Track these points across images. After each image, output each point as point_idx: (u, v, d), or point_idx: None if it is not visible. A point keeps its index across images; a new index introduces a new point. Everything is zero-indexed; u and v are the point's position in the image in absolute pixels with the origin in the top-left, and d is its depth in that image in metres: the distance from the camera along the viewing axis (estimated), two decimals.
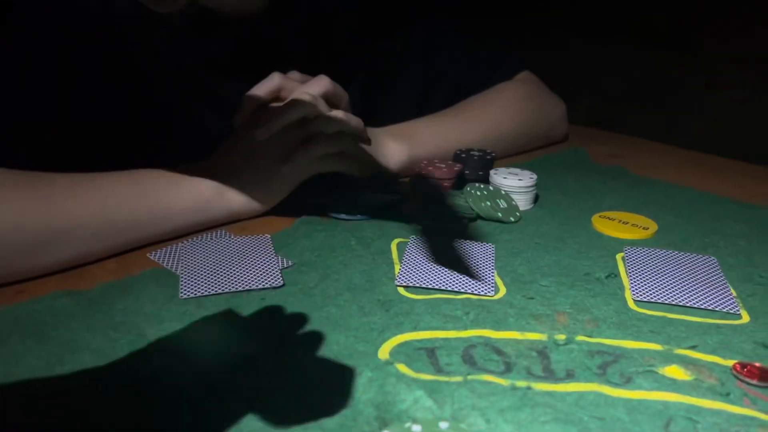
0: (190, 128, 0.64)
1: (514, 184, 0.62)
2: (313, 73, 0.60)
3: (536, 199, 0.65)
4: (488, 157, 0.68)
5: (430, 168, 0.64)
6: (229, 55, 0.65)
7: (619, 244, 0.56)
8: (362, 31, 0.76)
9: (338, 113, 0.58)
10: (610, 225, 0.59)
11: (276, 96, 0.59)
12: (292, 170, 0.58)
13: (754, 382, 0.37)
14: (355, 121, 0.59)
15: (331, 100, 0.59)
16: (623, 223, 0.60)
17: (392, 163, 0.67)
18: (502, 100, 0.80)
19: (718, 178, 0.75)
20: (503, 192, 0.62)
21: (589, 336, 0.42)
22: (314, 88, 0.58)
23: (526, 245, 0.55)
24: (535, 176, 0.64)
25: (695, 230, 0.59)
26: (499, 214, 0.59)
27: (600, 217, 0.61)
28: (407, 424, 0.33)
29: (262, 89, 0.58)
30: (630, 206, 0.64)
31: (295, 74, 0.60)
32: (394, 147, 0.68)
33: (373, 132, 0.65)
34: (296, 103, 0.56)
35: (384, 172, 0.66)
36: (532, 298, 0.46)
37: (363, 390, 0.36)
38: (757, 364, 0.38)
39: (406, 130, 0.70)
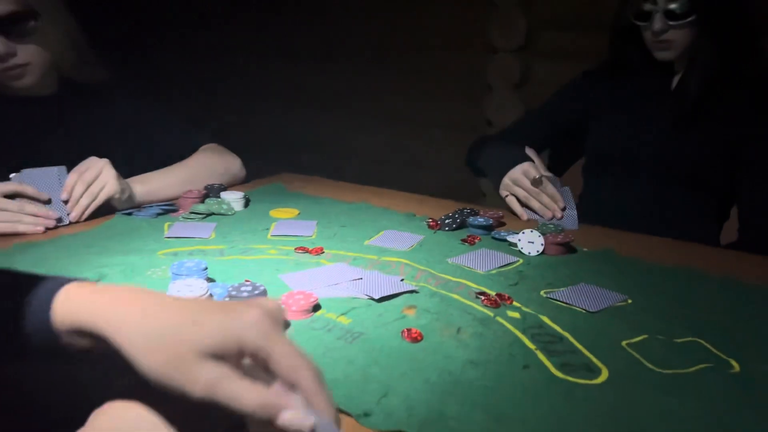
0: None
1: (230, 197, 1.20)
2: None
3: (247, 204, 1.23)
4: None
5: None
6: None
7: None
8: None
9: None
10: (282, 212, 1.19)
11: None
12: None
13: None
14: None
15: None
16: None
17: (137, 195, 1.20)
18: (202, 160, 1.39)
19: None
20: (226, 200, 1.19)
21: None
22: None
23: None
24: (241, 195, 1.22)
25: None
26: (224, 206, 1.16)
27: (277, 210, 1.21)
28: None
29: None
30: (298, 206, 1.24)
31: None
32: (138, 188, 1.22)
33: (128, 181, 1.18)
34: None
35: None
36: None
37: None
38: None
39: (144, 178, 1.25)
